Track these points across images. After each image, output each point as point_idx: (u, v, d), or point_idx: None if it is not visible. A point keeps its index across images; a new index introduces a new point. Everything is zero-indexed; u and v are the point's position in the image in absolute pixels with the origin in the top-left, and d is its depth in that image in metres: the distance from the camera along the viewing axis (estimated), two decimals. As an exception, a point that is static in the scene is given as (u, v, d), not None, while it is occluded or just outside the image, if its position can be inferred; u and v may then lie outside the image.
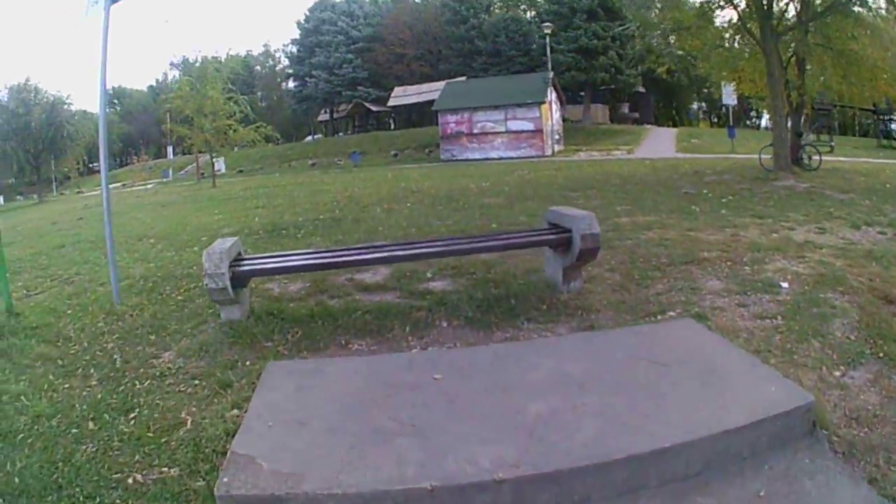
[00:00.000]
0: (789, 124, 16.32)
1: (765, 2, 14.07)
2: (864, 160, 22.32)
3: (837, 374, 3.86)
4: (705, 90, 53.78)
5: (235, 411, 3.60)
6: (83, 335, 5.14)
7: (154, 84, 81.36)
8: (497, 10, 53.92)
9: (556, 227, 5.42)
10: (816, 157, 16.39)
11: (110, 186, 6.31)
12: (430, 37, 56.49)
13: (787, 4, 14.35)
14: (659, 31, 16.10)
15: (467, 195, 13.66)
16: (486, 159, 32.83)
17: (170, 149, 54.17)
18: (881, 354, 4.08)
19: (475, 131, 34.69)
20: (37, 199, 40.59)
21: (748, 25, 15.04)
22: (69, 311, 5.91)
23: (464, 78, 46.76)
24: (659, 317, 4.87)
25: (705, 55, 16.19)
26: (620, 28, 33.69)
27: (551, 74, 35.84)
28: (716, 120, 66.73)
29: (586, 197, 12.13)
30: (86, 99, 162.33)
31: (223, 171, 41.51)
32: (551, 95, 35.26)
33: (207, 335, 4.81)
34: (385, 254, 5.35)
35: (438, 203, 12.54)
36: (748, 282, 5.65)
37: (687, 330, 4.55)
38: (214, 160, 35.21)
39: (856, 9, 13.80)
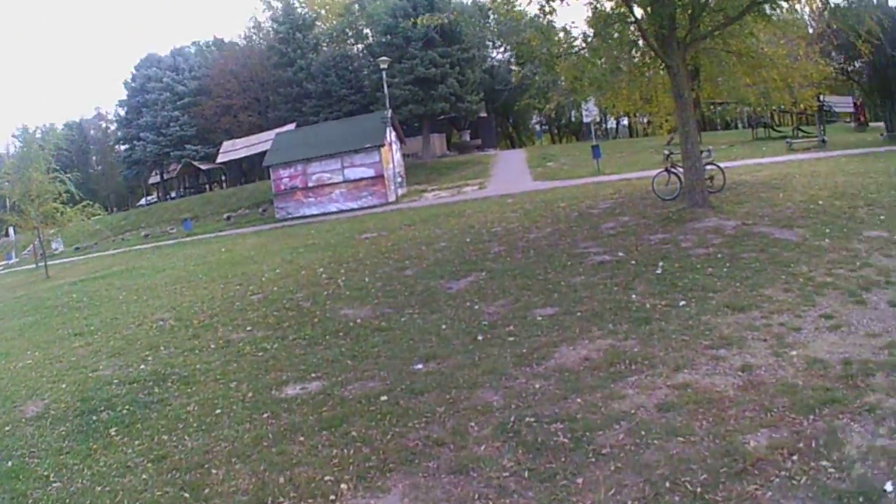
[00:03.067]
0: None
1: (665, 13, 11.78)
2: (755, 161, 21.49)
3: None
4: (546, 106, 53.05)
5: None
6: None
7: (-3, 156, 72.96)
8: (325, 48, 50.33)
9: None
10: (719, 174, 14.82)
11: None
12: (258, 84, 52.13)
13: (690, 13, 12.01)
14: (540, 60, 13.37)
15: (321, 302, 10.25)
16: (325, 214, 29.79)
17: (11, 229, 48.84)
18: None
19: (310, 184, 31.33)
20: None
21: (646, 40, 12.66)
22: None
23: (293, 125, 43.15)
24: None
25: (589, 81, 13.63)
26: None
27: (389, 113, 33.08)
28: (556, 132, 66.98)
29: (480, 293, 9.07)
30: None
31: (61, 249, 40.18)
32: (391, 136, 32.48)
33: None
34: None
35: (287, 326, 9.11)
36: (844, 497, 3.38)
37: None
38: (51, 239, 33.79)
39: (769, 10, 12.09)
